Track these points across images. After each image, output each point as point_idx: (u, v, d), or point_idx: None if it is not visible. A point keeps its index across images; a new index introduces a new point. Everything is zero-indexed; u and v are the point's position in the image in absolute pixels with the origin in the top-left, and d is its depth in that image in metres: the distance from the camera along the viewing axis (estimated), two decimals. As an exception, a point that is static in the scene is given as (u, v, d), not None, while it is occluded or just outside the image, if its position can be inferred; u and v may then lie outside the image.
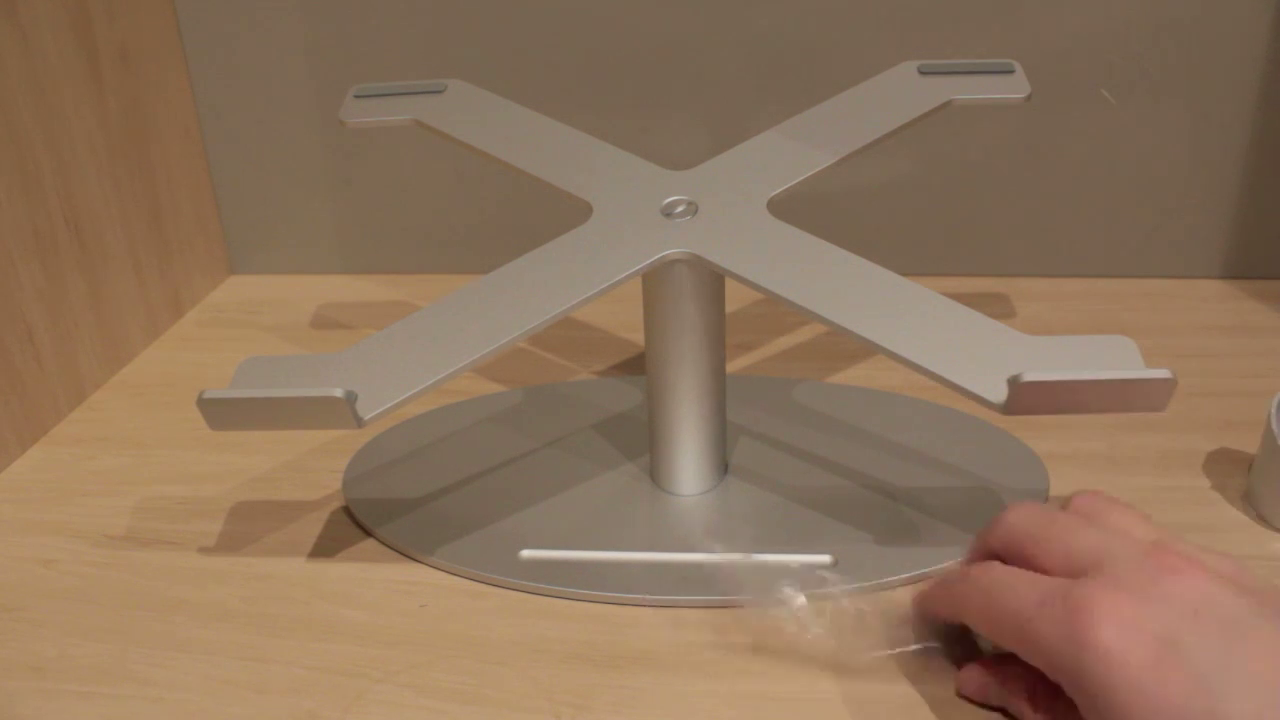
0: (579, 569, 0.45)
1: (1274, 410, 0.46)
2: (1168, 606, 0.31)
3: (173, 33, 0.70)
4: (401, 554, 0.47)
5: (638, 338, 0.65)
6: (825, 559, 0.44)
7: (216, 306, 0.74)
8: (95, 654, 0.42)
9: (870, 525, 0.46)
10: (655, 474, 0.50)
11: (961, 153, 0.68)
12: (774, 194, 0.47)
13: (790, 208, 0.46)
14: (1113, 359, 0.39)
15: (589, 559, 0.45)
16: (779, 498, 0.48)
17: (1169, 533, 0.35)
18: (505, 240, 0.54)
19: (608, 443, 0.53)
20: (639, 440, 0.52)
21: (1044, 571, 0.34)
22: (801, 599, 0.40)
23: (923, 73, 0.52)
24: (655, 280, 0.45)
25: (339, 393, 0.39)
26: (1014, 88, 0.50)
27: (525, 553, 0.46)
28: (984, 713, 0.37)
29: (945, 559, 0.43)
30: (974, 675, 0.37)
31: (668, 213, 0.46)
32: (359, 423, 0.40)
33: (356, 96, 0.55)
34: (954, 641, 0.39)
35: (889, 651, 0.39)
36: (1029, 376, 0.37)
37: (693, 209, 0.46)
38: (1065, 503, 0.38)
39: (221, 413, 0.41)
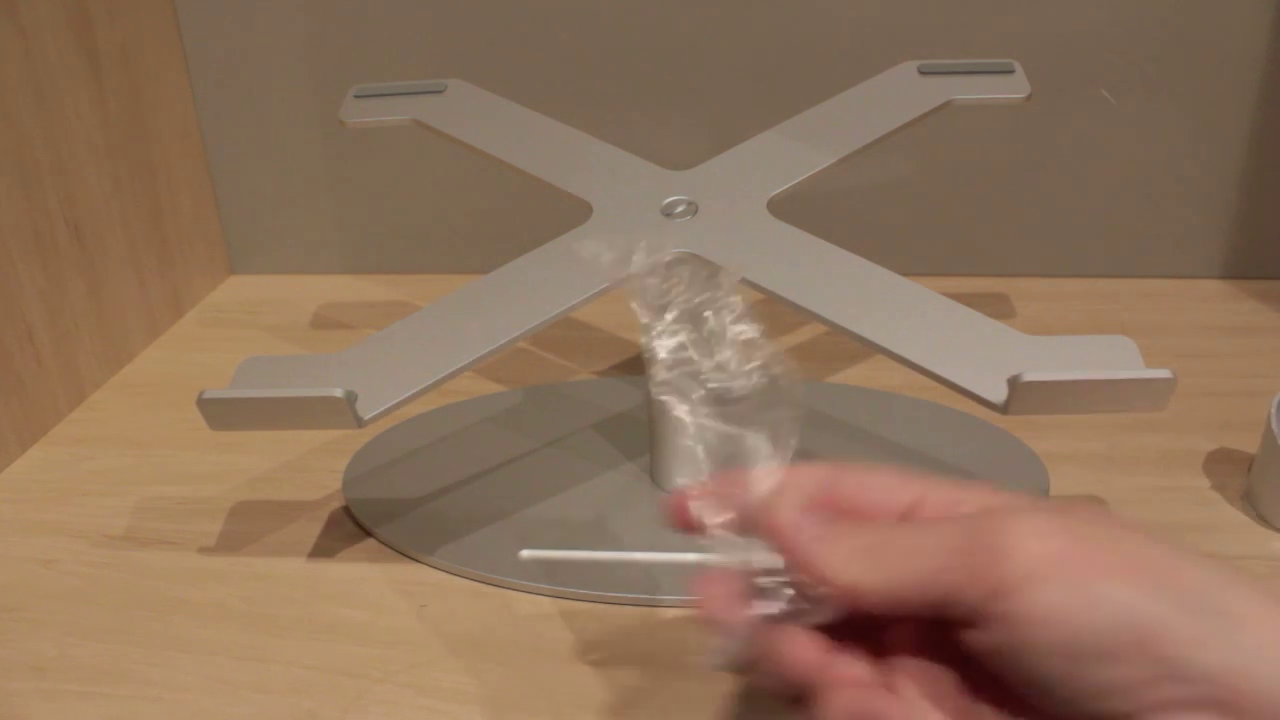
0: (579, 569, 0.45)
1: (1274, 410, 0.46)
2: None
3: (173, 33, 0.70)
4: (401, 554, 0.47)
5: (638, 338, 0.65)
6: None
7: (216, 306, 0.74)
8: (95, 654, 0.42)
9: (870, 525, 0.46)
10: (655, 474, 0.49)
11: (961, 153, 0.68)
12: (774, 194, 0.47)
13: (790, 208, 0.46)
14: (1113, 359, 0.39)
15: (589, 559, 0.45)
16: (779, 498, 0.48)
17: None
18: (505, 240, 0.54)
19: (608, 443, 0.53)
20: (639, 440, 0.52)
21: None
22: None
23: (922, 73, 0.52)
24: (655, 280, 0.45)
25: (339, 393, 0.39)
26: (1014, 88, 0.50)
27: (525, 553, 0.46)
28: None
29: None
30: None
31: (668, 213, 0.46)
32: (359, 423, 0.40)
33: (356, 96, 0.55)
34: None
35: None
36: (1029, 376, 0.37)
37: (693, 209, 0.46)
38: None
39: (221, 413, 0.41)
